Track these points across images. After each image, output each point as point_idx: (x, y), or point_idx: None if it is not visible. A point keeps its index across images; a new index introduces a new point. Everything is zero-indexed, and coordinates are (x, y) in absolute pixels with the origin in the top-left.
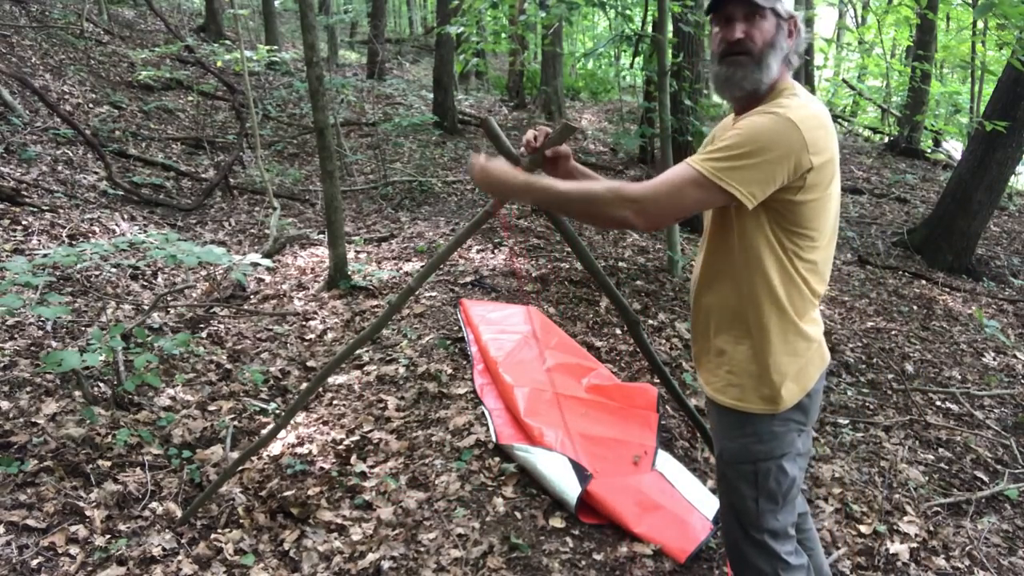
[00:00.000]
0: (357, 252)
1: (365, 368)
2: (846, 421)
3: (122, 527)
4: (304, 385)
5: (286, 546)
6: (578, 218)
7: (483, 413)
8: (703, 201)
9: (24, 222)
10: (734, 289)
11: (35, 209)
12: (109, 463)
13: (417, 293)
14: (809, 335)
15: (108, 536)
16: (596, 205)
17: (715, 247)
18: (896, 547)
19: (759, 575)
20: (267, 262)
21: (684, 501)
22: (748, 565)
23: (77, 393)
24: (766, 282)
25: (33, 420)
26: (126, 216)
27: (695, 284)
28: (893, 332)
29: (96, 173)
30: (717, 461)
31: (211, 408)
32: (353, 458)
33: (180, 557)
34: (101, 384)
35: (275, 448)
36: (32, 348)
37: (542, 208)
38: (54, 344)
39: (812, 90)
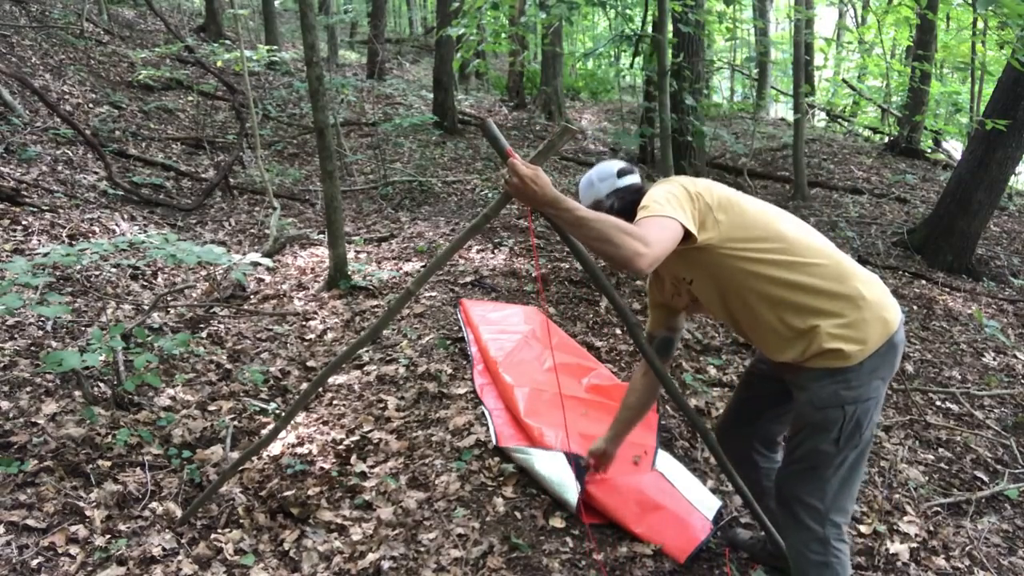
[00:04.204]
0: (357, 252)
1: (365, 368)
2: None
3: (122, 527)
4: (304, 385)
5: (286, 546)
6: (588, 243)
7: (483, 413)
8: (674, 238)
9: (24, 222)
10: (761, 312)
11: (35, 209)
12: (109, 463)
13: (417, 293)
14: (831, 291)
15: (108, 536)
16: (609, 234)
17: (715, 300)
18: (896, 547)
19: (807, 531)
20: (267, 262)
21: (684, 501)
22: (798, 523)
23: (77, 393)
24: (764, 285)
25: (33, 420)
26: (126, 216)
27: (735, 330)
28: None
29: (96, 173)
30: (805, 409)
31: (211, 408)
32: (353, 458)
33: (180, 557)
34: (101, 384)
35: (275, 448)
36: (32, 348)
37: (557, 226)
38: (54, 344)
39: (812, 90)
